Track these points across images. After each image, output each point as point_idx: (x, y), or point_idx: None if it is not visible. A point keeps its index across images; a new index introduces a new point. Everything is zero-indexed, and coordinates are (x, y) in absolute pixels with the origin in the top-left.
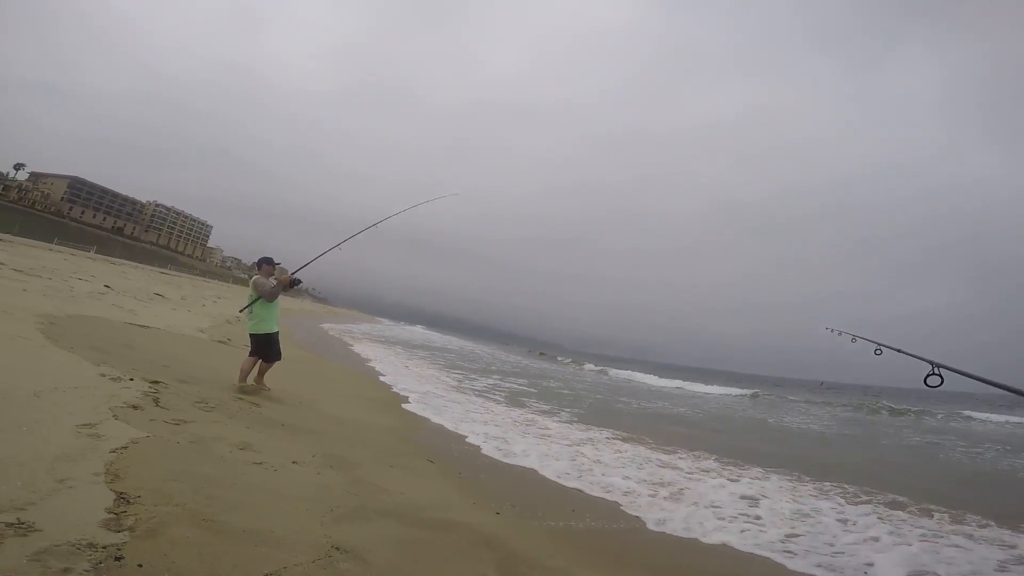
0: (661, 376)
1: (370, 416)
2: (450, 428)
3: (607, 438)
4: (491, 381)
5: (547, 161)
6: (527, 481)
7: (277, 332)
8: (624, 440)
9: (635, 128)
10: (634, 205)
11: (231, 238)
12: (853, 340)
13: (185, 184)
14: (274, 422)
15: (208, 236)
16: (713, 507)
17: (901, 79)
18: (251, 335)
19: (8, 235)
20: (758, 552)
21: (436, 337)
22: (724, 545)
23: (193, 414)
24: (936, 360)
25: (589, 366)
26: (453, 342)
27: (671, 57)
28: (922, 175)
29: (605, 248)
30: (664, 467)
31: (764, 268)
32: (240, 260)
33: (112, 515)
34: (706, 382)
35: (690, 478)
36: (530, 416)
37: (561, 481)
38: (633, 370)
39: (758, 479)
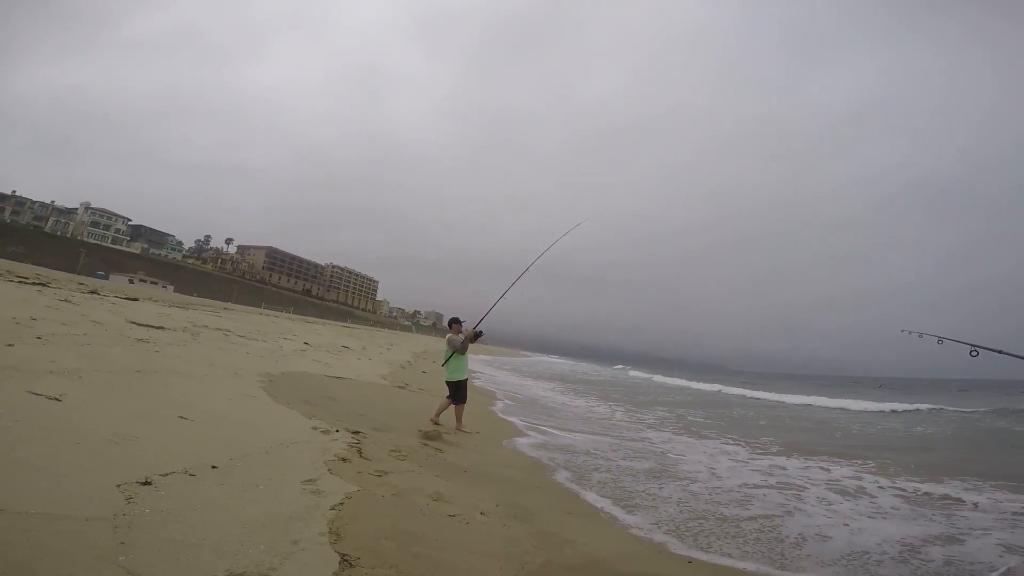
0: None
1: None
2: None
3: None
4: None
5: (672, 171)
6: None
7: (467, 379)
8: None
9: (760, 118)
10: (784, 198)
11: (393, 289)
12: (939, 342)
13: (349, 244)
14: (458, 468)
15: (376, 290)
16: None
17: None
18: (448, 382)
19: (229, 302)
20: None
21: (587, 368)
22: None
23: (391, 464)
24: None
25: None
26: (603, 372)
27: (789, 40)
28: None
29: (760, 251)
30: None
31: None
32: (404, 309)
33: None
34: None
35: None
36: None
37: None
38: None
39: None
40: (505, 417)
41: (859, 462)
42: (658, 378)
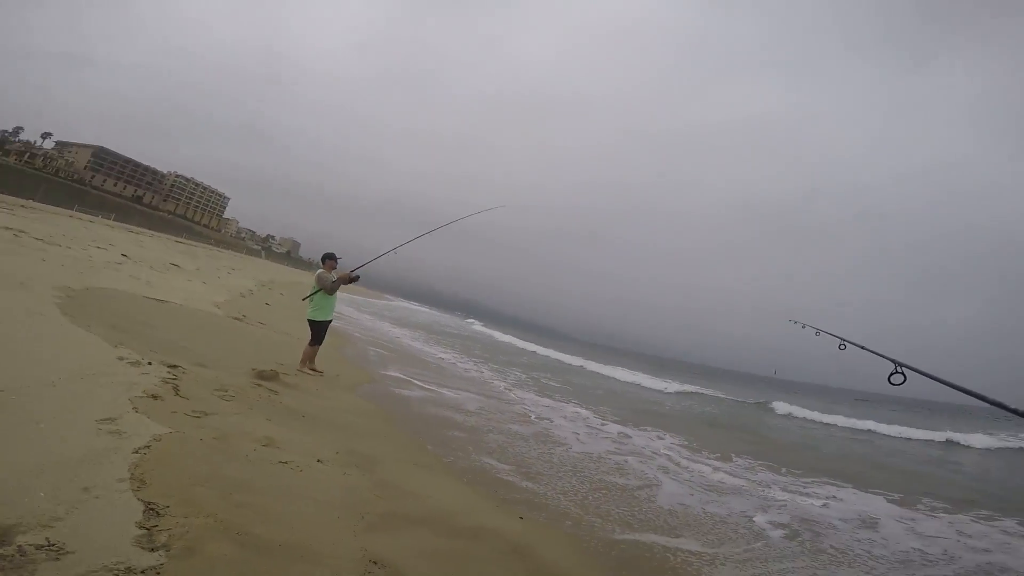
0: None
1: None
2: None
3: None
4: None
5: (575, 155)
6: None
7: (331, 321)
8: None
9: (665, 125)
10: (658, 202)
11: (248, 211)
12: (817, 333)
13: (206, 160)
14: (294, 412)
15: (224, 207)
16: None
17: (933, 89)
18: (310, 320)
19: (31, 201)
20: None
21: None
22: None
23: (214, 404)
24: (899, 359)
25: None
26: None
27: (703, 54)
28: (949, 184)
29: (625, 244)
30: None
31: (781, 271)
32: (255, 232)
33: (144, 530)
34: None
35: None
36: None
37: None
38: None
39: None
40: (359, 364)
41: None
42: (502, 336)
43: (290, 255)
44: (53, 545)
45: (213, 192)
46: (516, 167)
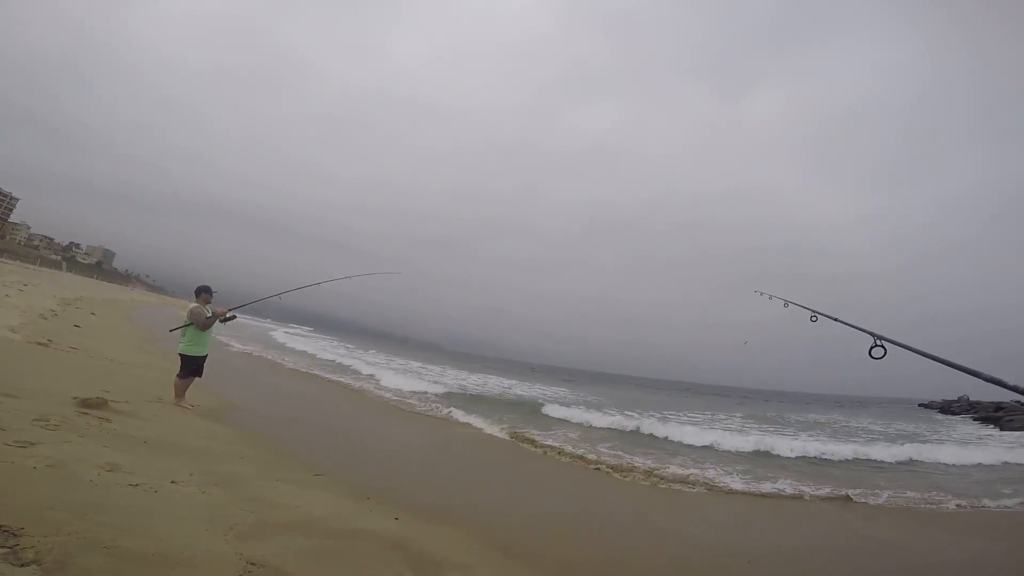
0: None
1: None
2: None
3: None
4: None
5: (441, 161)
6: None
7: (206, 355)
8: None
9: (524, 139)
10: (514, 214)
11: (45, 214)
12: (785, 305)
13: None
14: (135, 440)
15: (11, 209)
16: None
17: (754, 114)
18: (182, 355)
19: None
20: None
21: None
22: None
23: (37, 434)
24: (877, 332)
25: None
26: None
27: (567, 75)
28: (758, 204)
29: (485, 253)
30: None
31: (626, 276)
32: (52, 239)
33: (7, 549)
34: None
35: None
36: None
37: None
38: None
39: None
40: (216, 390)
41: None
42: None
43: (101, 266)
44: None
45: None
46: (382, 164)
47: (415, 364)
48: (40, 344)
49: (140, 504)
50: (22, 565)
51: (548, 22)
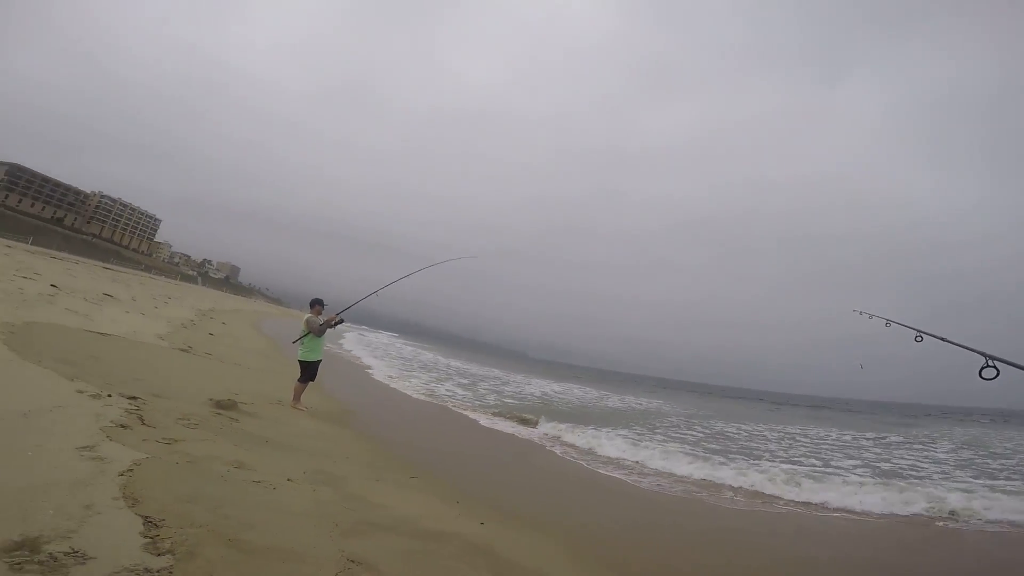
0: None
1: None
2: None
3: None
4: None
5: (516, 173)
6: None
7: (320, 360)
8: None
9: (605, 144)
10: (596, 220)
11: (183, 234)
12: (887, 324)
13: (135, 177)
14: (258, 438)
15: (156, 230)
16: None
17: (848, 102)
18: (301, 362)
19: None
20: None
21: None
22: None
23: (180, 432)
24: (988, 352)
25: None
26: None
27: (643, 76)
28: (861, 190)
29: (567, 260)
30: None
31: (715, 275)
32: (189, 256)
33: (148, 539)
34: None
35: None
36: None
37: None
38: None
39: None
40: (329, 393)
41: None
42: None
43: (229, 280)
44: (77, 552)
45: (143, 214)
46: (455, 180)
47: (496, 371)
48: (182, 350)
49: (261, 500)
50: (159, 555)
51: (611, 21)
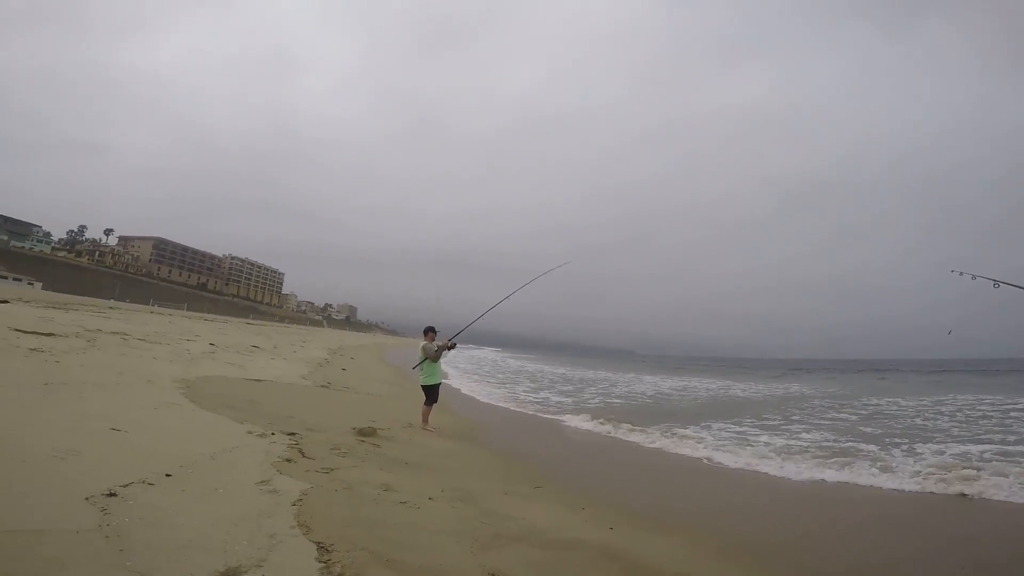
0: None
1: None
2: None
3: None
4: None
5: (580, 167)
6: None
7: (440, 383)
8: None
9: (668, 119)
10: (683, 195)
11: (300, 283)
12: (995, 285)
13: (247, 236)
14: (399, 461)
15: (281, 283)
16: None
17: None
18: (423, 386)
19: (112, 299)
20: None
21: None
22: None
23: (334, 461)
24: None
25: None
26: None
27: (685, 49)
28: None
29: (662, 244)
30: None
31: (828, 247)
32: (313, 303)
33: (323, 564)
34: None
35: None
36: None
37: None
38: None
39: None
40: (452, 412)
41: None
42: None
43: (349, 320)
44: None
45: (269, 270)
46: (528, 189)
47: (604, 373)
48: (322, 387)
49: (409, 520)
50: None
51: None
